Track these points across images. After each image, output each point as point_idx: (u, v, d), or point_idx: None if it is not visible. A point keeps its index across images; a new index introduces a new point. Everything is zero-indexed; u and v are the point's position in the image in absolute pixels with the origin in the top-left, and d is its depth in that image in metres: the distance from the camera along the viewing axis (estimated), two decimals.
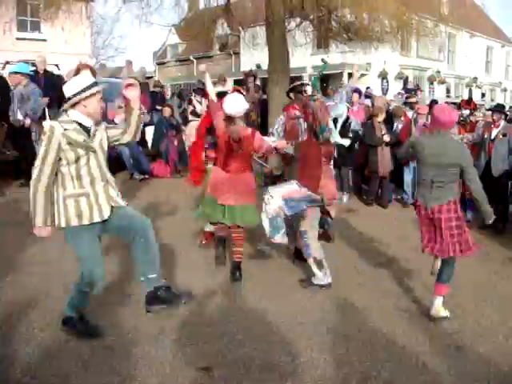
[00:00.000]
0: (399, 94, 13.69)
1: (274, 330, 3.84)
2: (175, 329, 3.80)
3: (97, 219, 3.48)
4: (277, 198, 4.52)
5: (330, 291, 4.63)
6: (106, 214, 3.53)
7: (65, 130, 3.34)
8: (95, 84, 3.46)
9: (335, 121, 5.47)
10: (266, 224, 4.56)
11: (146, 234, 3.72)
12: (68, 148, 3.34)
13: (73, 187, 3.43)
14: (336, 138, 5.12)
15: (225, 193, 4.79)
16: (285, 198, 4.51)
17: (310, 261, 4.71)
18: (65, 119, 3.43)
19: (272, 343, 3.64)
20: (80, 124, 3.40)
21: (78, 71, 5.66)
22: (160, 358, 3.39)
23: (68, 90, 3.40)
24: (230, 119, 4.76)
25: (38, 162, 3.34)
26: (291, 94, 6.02)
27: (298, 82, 5.74)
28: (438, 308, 4.15)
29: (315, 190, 4.60)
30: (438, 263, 4.31)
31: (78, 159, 3.39)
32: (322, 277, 4.70)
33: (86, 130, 3.43)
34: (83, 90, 3.37)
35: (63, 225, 3.44)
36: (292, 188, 4.59)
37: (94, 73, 5.90)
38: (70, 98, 3.38)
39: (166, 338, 3.64)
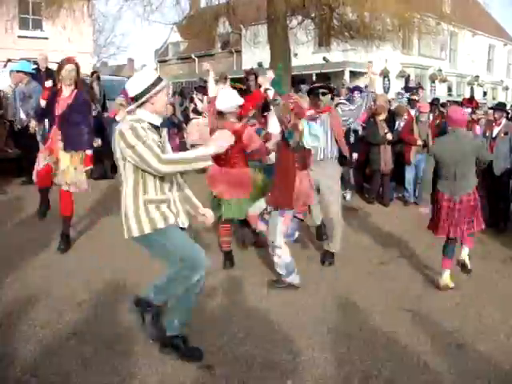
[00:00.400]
0: (399, 94, 13.65)
1: (275, 329, 3.84)
2: None
3: (180, 225, 3.25)
4: (285, 247, 4.56)
5: (330, 290, 4.63)
6: (186, 223, 3.32)
7: (142, 128, 3.06)
8: (160, 79, 3.16)
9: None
10: (282, 268, 4.60)
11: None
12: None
13: (155, 193, 3.14)
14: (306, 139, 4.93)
15: (219, 186, 4.93)
16: (285, 234, 4.58)
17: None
18: (135, 118, 3.12)
19: (273, 342, 3.63)
20: (150, 124, 3.14)
21: (60, 68, 5.31)
22: (161, 357, 3.38)
23: (133, 88, 3.11)
24: (220, 115, 4.76)
25: (148, 155, 2.98)
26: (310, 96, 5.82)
27: (317, 85, 5.53)
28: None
29: (289, 203, 4.45)
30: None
31: None
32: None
33: (156, 129, 3.19)
34: (152, 86, 3.09)
35: (148, 230, 3.11)
36: (279, 220, 4.52)
37: (78, 67, 5.37)
38: (137, 98, 3.09)
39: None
